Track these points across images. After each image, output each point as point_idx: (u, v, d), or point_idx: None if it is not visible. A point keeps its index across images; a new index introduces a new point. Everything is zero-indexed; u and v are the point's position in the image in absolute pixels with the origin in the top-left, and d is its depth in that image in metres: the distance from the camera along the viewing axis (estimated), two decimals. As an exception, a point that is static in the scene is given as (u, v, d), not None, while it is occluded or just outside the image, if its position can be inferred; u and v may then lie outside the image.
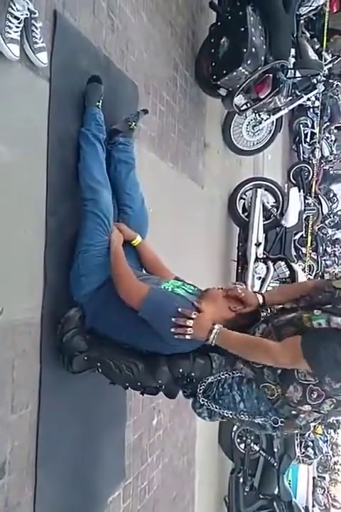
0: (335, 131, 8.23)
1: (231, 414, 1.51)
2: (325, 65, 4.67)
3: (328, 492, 9.11)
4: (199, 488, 3.67)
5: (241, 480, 3.96)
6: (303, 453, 5.80)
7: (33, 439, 1.56)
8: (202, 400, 1.54)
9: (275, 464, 3.95)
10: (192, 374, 1.55)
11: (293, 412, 1.42)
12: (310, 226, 6.04)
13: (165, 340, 1.52)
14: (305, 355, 1.27)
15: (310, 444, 6.08)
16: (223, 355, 1.56)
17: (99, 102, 1.78)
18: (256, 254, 4.10)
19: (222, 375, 1.53)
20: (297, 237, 4.95)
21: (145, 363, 1.59)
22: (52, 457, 1.65)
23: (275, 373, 1.42)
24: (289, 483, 4.65)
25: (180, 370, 1.55)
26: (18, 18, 1.39)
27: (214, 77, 2.96)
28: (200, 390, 1.55)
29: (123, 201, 1.89)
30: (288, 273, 4.22)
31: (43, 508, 1.60)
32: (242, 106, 3.36)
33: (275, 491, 3.95)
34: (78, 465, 1.83)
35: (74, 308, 1.65)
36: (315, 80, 4.01)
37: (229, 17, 2.95)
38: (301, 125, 6.91)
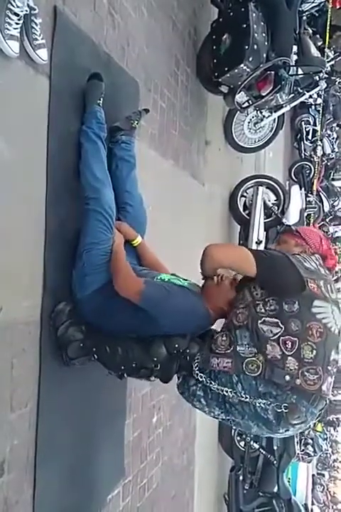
0: (337, 128, 8.20)
1: (230, 391, 1.46)
2: (328, 62, 4.64)
3: (328, 489, 9.14)
4: (198, 486, 3.68)
5: (241, 478, 3.97)
6: (303, 450, 5.82)
7: (32, 437, 1.56)
8: (200, 376, 1.50)
9: (274, 462, 3.95)
10: (188, 351, 1.55)
11: (287, 378, 1.40)
12: (311, 224, 6.02)
13: (165, 328, 1.57)
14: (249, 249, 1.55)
15: (310, 441, 6.09)
16: (221, 331, 1.57)
17: (99, 99, 1.77)
18: (257, 252, 4.08)
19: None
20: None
21: (141, 343, 1.61)
22: (52, 456, 1.65)
23: (248, 345, 1.46)
24: (288, 481, 4.65)
25: (176, 346, 1.56)
26: (17, 15, 1.37)
27: (216, 74, 2.94)
28: (196, 364, 1.52)
29: (123, 199, 1.89)
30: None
31: (42, 506, 1.60)
32: (244, 103, 3.33)
33: (275, 489, 3.96)
34: (77, 463, 1.83)
35: (62, 302, 1.66)
36: (317, 77, 3.99)
37: (231, 13, 2.93)
38: (303, 122, 6.86)
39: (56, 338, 1.63)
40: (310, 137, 6.94)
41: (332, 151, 7.86)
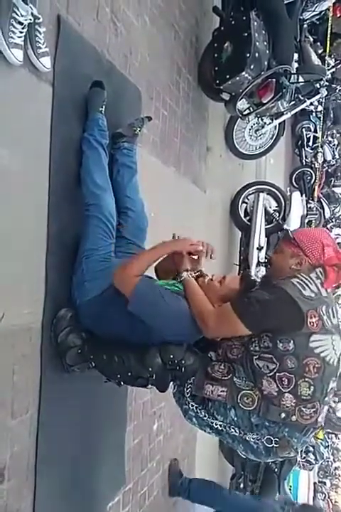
0: (338, 135, 8.22)
1: (220, 424, 1.45)
2: (328, 69, 4.67)
3: (329, 498, 9.05)
4: (199, 494, 3.64)
5: (242, 485, 3.94)
6: (304, 458, 5.76)
7: (33, 444, 1.55)
8: (191, 405, 1.50)
9: (276, 470, 3.92)
10: (183, 361, 1.53)
11: (282, 415, 1.38)
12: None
13: (159, 333, 1.54)
14: (237, 311, 1.43)
15: (311, 449, 6.03)
16: (218, 360, 1.55)
17: (101, 107, 1.79)
18: (258, 258, 4.09)
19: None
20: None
21: (137, 352, 1.60)
22: (52, 463, 1.65)
23: (245, 378, 1.45)
24: (290, 489, 4.62)
25: (171, 356, 1.53)
26: (21, 23, 1.39)
27: (217, 81, 2.96)
28: (188, 391, 1.50)
29: (124, 204, 1.90)
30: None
31: (43, 513, 1.60)
32: (245, 110, 3.36)
33: (276, 497, 3.92)
34: (78, 470, 1.82)
35: (64, 308, 1.66)
36: (318, 85, 4.01)
37: (233, 22, 2.95)
38: (304, 129, 6.88)
39: (56, 345, 1.64)
40: (310, 144, 6.96)
41: (333, 158, 7.87)
